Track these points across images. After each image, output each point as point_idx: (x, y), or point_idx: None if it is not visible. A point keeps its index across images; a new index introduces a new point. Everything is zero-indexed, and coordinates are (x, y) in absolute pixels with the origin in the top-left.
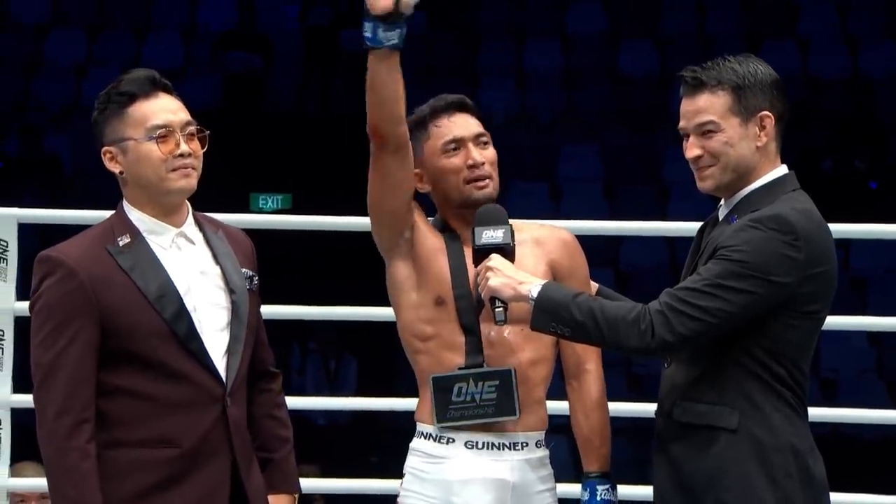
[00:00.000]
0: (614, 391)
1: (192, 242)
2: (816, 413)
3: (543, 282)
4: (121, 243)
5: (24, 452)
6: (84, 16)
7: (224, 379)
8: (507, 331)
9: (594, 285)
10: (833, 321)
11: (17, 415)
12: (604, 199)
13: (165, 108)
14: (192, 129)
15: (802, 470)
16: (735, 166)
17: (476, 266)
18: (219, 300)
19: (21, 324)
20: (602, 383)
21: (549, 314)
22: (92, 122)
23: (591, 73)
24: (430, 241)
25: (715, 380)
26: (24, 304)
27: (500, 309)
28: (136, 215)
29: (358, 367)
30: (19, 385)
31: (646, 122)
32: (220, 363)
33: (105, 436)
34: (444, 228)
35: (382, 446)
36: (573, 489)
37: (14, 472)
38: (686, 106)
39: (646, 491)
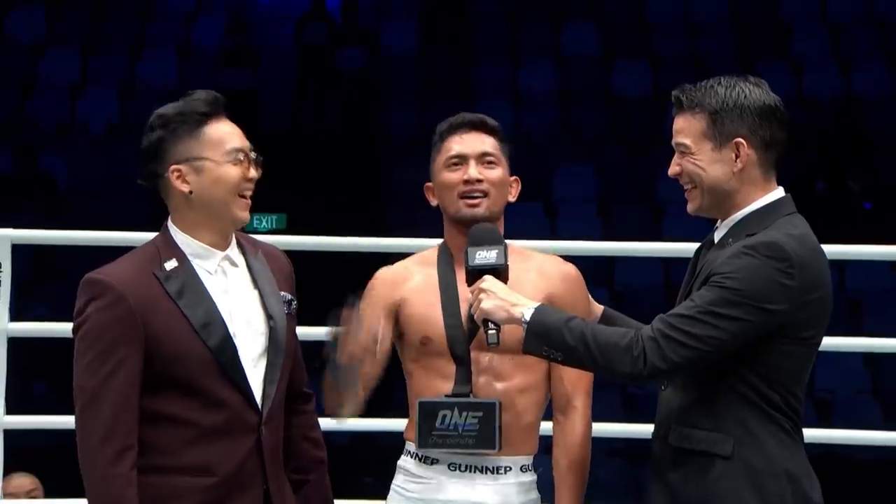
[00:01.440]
0: (609, 412)
1: (236, 266)
2: (811, 434)
3: (537, 304)
4: (168, 268)
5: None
6: (79, 35)
7: (260, 407)
8: (496, 360)
9: (599, 307)
10: (828, 342)
11: (11, 436)
12: (598, 219)
13: (237, 133)
14: (254, 155)
15: (798, 495)
16: (710, 189)
17: (469, 286)
18: (258, 326)
19: (13, 343)
20: (588, 421)
21: (542, 338)
22: (151, 140)
23: (585, 93)
24: (419, 291)
25: (710, 406)
26: (17, 326)
27: (494, 331)
28: (182, 238)
29: None
30: (12, 406)
31: (640, 142)
32: (257, 391)
33: (144, 461)
34: (442, 252)
35: (377, 467)
36: None
37: (5, 483)
38: (674, 124)
39: None
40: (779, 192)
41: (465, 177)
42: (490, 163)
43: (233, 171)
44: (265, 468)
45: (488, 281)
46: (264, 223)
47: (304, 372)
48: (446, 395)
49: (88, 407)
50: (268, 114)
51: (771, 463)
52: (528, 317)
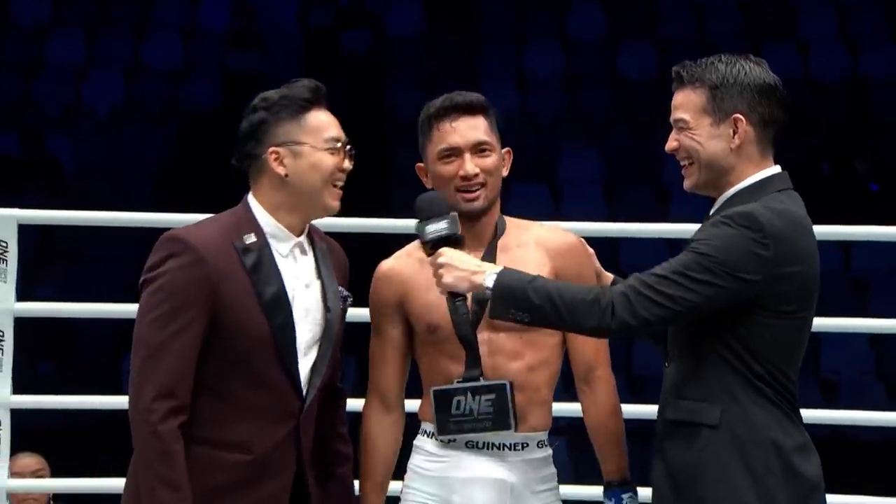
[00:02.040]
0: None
1: (305, 253)
2: (816, 415)
3: (499, 268)
4: (247, 241)
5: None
6: (84, 16)
7: (304, 394)
8: (505, 339)
9: (608, 276)
10: (833, 323)
11: (17, 415)
12: (604, 201)
13: (335, 123)
14: (349, 147)
15: (786, 466)
16: (707, 165)
17: (430, 260)
18: (315, 316)
19: (19, 323)
20: (614, 389)
21: (507, 301)
22: (252, 121)
23: (591, 76)
24: (421, 280)
25: (700, 376)
26: (24, 306)
27: (461, 302)
28: (262, 216)
29: (356, 366)
30: (18, 386)
31: (646, 125)
32: (303, 379)
33: (184, 429)
34: None
35: None
36: (573, 490)
37: (11, 463)
38: (673, 100)
39: (648, 492)
40: (773, 170)
41: (462, 172)
42: (484, 151)
43: (329, 159)
44: (299, 455)
45: (445, 254)
46: None
47: (340, 368)
48: (458, 381)
49: (149, 361)
50: None
51: (756, 432)
52: (490, 283)
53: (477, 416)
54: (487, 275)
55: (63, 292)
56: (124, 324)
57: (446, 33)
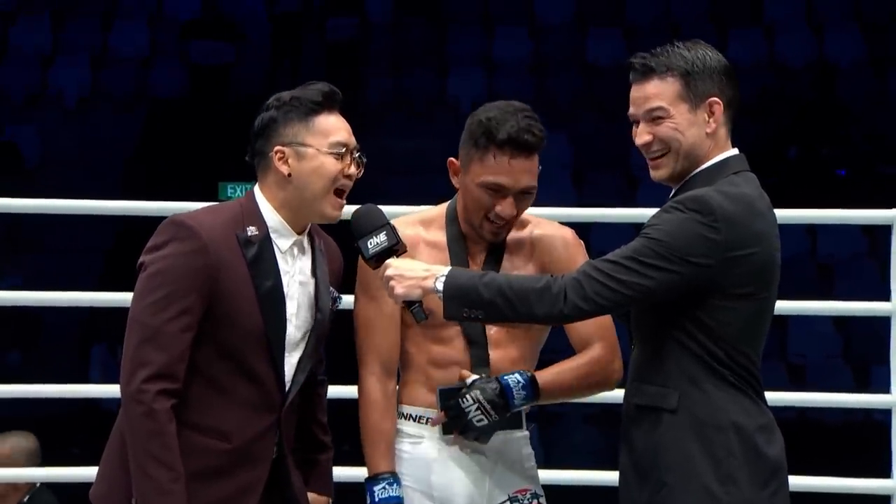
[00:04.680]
0: None
1: (304, 252)
2: (783, 397)
3: (447, 270)
4: (249, 233)
5: None
6: (50, 3)
7: (287, 390)
8: (493, 330)
9: None
10: (800, 306)
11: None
12: (573, 186)
13: (345, 128)
14: (358, 154)
15: (748, 448)
16: (686, 153)
17: (377, 273)
18: (305, 315)
19: None
20: (610, 356)
21: (459, 301)
22: (264, 119)
23: (559, 62)
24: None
25: (660, 361)
26: None
27: (417, 308)
28: (267, 209)
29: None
30: None
31: (614, 110)
32: (288, 375)
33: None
34: (452, 221)
35: (355, 434)
36: (544, 474)
37: None
38: (635, 92)
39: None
40: (730, 152)
41: (501, 211)
42: (525, 195)
43: (332, 164)
44: (280, 447)
45: (392, 266)
46: (238, 192)
47: (324, 363)
48: (466, 380)
49: (145, 343)
50: (240, 83)
51: (716, 415)
52: (440, 286)
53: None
54: (437, 278)
55: (30, 282)
56: (93, 313)
57: (414, 19)
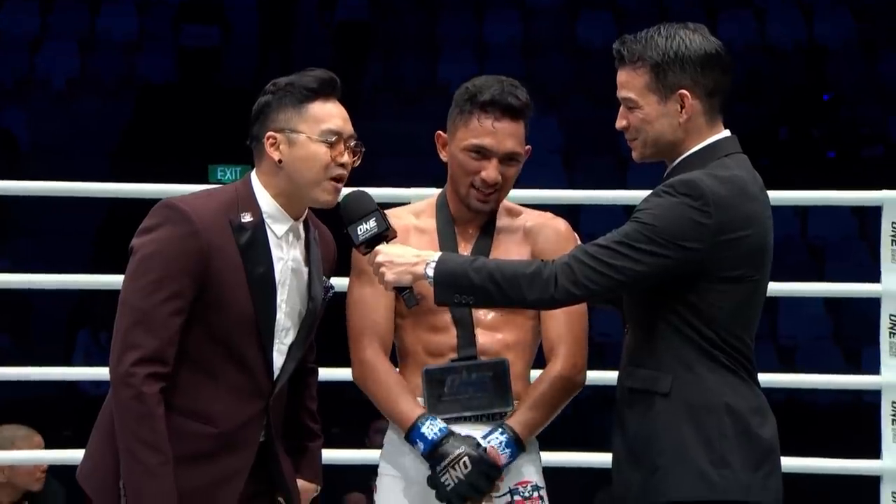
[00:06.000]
0: None
1: (298, 238)
2: (774, 379)
3: (437, 255)
4: (243, 219)
5: None
6: None
7: (275, 378)
8: (489, 314)
9: None
10: (790, 288)
11: None
12: (563, 169)
13: (340, 116)
14: (354, 143)
15: (741, 430)
16: (654, 142)
17: (367, 259)
18: (296, 303)
19: None
20: (569, 364)
21: (450, 286)
22: (260, 103)
23: (550, 45)
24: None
25: (653, 345)
26: None
27: (408, 293)
28: (262, 196)
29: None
30: None
31: (605, 93)
32: (277, 362)
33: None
34: (442, 208)
35: (344, 417)
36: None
37: None
38: (617, 77)
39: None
40: (721, 135)
41: (486, 176)
42: (512, 160)
43: (323, 151)
44: (267, 433)
45: (382, 252)
46: (228, 175)
47: (314, 351)
48: (452, 360)
49: (135, 326)
50: (230, 67)
51: (709, 398)
52: (430, 271)
53: (472, 395)
54: (428, 264)
55: (19, 266)
56: (81, 298)
57: (405, 2)
